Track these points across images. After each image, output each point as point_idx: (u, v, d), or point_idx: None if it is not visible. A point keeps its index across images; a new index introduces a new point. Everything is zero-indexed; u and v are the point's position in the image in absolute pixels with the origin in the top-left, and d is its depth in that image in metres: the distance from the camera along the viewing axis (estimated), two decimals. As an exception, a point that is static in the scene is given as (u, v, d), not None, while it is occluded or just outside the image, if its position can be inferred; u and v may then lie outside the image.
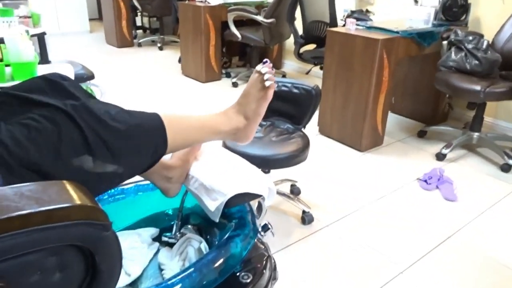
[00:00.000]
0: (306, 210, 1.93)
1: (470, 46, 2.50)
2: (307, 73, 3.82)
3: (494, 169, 2.49)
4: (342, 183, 2.29)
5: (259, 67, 1.06)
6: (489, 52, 2.47)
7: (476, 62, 2.47)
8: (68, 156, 0.75)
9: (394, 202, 2.13)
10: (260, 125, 1.88)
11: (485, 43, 2.49)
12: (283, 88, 1.87)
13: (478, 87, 2.34)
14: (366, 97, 2.54)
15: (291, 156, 1.68)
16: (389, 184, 2.28)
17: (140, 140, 0.84)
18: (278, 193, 1.99)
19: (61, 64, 1.95)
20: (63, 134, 0.75)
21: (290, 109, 1.88)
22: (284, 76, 4.16)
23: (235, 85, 3.91)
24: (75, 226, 0.61)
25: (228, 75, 4.19)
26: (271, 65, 1.05)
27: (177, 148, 1.03)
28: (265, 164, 1.67)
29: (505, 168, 2.47)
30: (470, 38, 2.52)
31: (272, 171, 1.90)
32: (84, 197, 0.64)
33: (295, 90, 1.84)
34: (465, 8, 2.84)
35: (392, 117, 3.22)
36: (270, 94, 1.06)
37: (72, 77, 1.84)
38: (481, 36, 2.57)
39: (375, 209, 2.06)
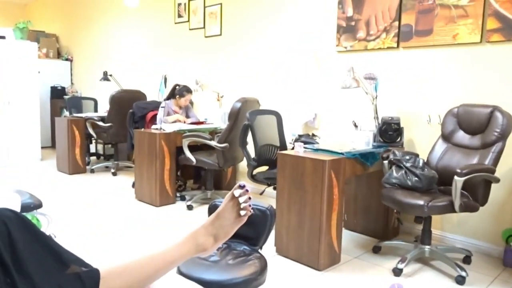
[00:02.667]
0: None
1: (408, 165, 2.71)
2: (261, 193, 3.90)
3: (450, 282, 2.51)
4: (303, 307, 2.19)
5: (236, 192, 1.08)
6: (425, 169, 2.69)
7: (416, 178, 2.66)
8: None
9: (358, 324, 2.04)
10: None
11: (421, 162, 2.73)
12: (238, 209, 1.89)
13: (421, 202, 2.48)
14: (320, 215, 2.60)
15: (249, 280, 1.63)
16: (351, 305, 2.22)
17: None
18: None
19: (7, 194, 1.89)
20: None
21: (246, 230, 1.86)
22: (239, 197, 4.21)
23: (190, 208, 3.88)
24: None
25: (182, 198, 4.18)
26: (248, 191, 1.09)
27: None
28: (222, 289, 1.60)
29: (459, 281, 2.50)
30: (407, 157, 2.75)
31: (229, 297, 1.80)
32: None
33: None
34: (399, 132, 3.15)
35: (346, 234, 3.26)
36: (244, 220, 1.09)
37: (18, 207, 1.77)
38: (417, 155, 2.82)
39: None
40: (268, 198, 4.06)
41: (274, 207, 2.02)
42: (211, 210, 1.95)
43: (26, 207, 2.06)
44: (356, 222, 3.34)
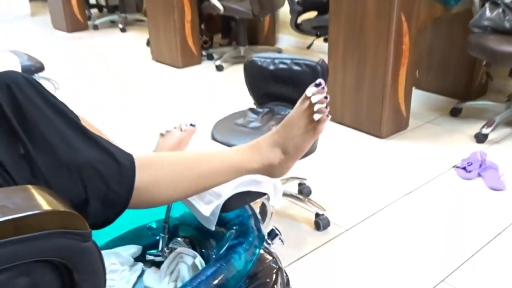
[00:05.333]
0: (320, 212, 1.96)
1: (508, 0, 2.55)
2: (309, 47, 3.86)
3: (547, 149, 2.55)
4: (362, 178, 2.32)
5: (309, 91, 1.00)
6: (531, 5, 2.53)
7: (516, 18, 2.52)
8: None
9: (428, 196, 2.17)
10: (256, 112, 1.92)
11: (526, -5, 2.55)
12: (281, 66, 1.90)
13: (520, 49, 2.39)
14: (384, 72, 2.58)
15: (297, 148, 1.71)
16: (419, 176, 2.33)
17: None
18: (285, 194, 2.02)
19: (3, 55, 1.97)
20: None
21: (291, 91, 1.91)
22: (279, 52, 4.20)
23: (219, 68, 3.94)
24: (48, 237, 0.64)
25: (210, 57, 4.22)
26: (325, 89, 1.00)
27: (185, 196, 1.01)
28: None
29: (560, 147, 2.52)
30: (507, -10, 2.57)
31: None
32: (56, 202, 0.67)
33: (296, 68, 1.87)
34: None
35: (417, 94, 3.26)
36: (321, 129, 1.01)
37: (19, 70, 1.86)
38: (521, -14, 2.62)
39: (405, 206, 2.10)
40: (317, 53, 4.02)
41: (326, 62, 2.01)
42: (247, 69, 1.97)
43: (26, 71, 2.16)
44: (431, 79, 3.30)
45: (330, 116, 1.00)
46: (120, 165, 0.85)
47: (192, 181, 0.97)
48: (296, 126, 1.02)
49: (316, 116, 0.99)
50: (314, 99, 0.99)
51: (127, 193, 0.87)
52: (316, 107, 0.99)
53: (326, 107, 1.00)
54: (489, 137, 2.64)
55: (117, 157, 0.86)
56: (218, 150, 1.04)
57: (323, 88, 0.99)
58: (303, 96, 1.02)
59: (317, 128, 1.01)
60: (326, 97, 0.99)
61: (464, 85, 3.17)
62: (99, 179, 0.83)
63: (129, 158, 0.88)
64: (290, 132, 1.02)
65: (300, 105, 1.02)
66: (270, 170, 1.05)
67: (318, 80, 1.00)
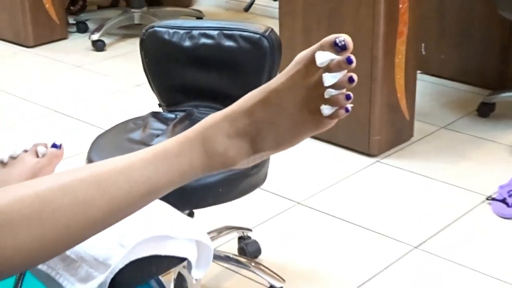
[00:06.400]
0: (277, 286, 1.96)
1: None
2: (247, 9, 3.88)
3: None
4: (342, 224, 2.33)
5: (320, 57, 0.80)
6: None
7: None
8: None
9: (448, 249, 2.20)
10: (163, 120, 1.89)
11: None
12: (204, 40, 1.90)
13: None
14: (371, 47, 2.62)
15: (230, 177, 1.70)
16: (433, 216, 2.37)
17: None
18: (217, 257, 1.99)
19: None
20: None
21: (221, 82, 1.91)
22: (199, 18, 4.21)
23: (98, 46, 3.96)
24: None
25: (82, 28, 4.26)
26: (353, 62, 0.79)
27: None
28: (181, 198, 1.68)
29: None
30: None
31: (198, 212, 1.91)
32: None
33: (228, 43, 1.88)
34: None
35: (425, 82, 3.34)
36: (329, 125, 0.88)
37: None
38: None
39: (413, 267, 2.13)
40: (262, 18, 4.07)
41: (277, 32, 2.02)
42: (146, 46, 1.96)
43: None
44: (445, 58, 3.38)
45: (350, 110, 0.87)
46: None
47: (80, 234, 0.88)
48: (284, 109, 0.90)
49: (326, 110, 0.88)
50: (327, 80, 0.86)
51: None
52: (328, 94, 0.87)
53: (348, 97, 0.87)
54: (539, 150, 2.75)
55: None
56: (123, 165, 0.90)
57: (349, 60, 0.85)
58: (306, 59, 0.88)
59: (322, 123, 0.90)
60: (351, 80, 0.84)
61: (496, 67, 3.27)
62: None
63: None
64: (273, 117, 0.90)
65: (298, 74, 0.88)
66: (225, 168, 0.92)
67: (342, 38, 0.85)
